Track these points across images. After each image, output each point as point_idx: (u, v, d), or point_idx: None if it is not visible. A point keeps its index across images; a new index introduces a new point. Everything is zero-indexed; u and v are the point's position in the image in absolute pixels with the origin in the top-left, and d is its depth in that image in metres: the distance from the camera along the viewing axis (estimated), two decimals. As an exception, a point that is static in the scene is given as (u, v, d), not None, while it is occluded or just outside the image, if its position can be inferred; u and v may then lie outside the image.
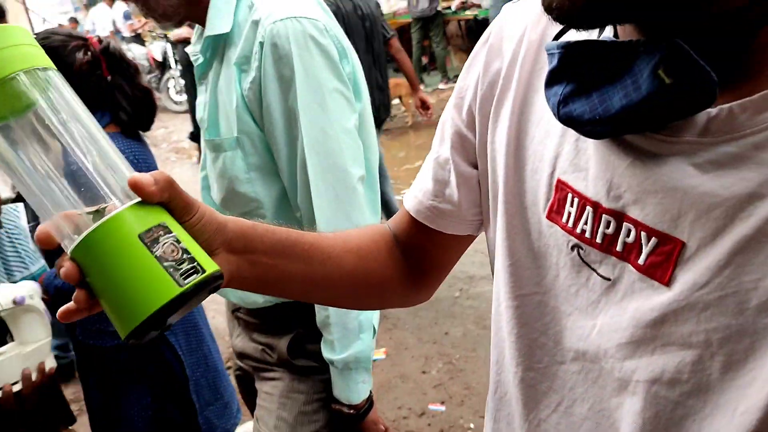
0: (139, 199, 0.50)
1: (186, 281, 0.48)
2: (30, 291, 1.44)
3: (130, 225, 0.48)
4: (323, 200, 1.12)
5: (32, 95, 0.48)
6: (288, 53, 1.07)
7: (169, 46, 8.00)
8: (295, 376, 1.29)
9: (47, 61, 0.50)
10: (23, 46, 0.49)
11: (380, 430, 1.28)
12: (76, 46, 1.47)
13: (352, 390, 1.20)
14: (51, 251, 2.95)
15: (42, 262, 2.59)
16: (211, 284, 0.50)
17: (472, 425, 2.53)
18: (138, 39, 9.43)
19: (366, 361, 1.21)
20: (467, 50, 9.04)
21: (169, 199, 0.52)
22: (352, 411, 1.22)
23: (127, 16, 9.77)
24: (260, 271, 0.62)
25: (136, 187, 0.49)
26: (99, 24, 9.60)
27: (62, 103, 0.50)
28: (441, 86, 8.14)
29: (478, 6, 8.37)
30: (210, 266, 0.50)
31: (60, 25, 8.66)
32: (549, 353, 0.58)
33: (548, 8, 0.44)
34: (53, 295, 1.64)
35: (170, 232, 0.49)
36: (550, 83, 0.49)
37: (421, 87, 8.06)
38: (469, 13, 8.54)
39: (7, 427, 1.37)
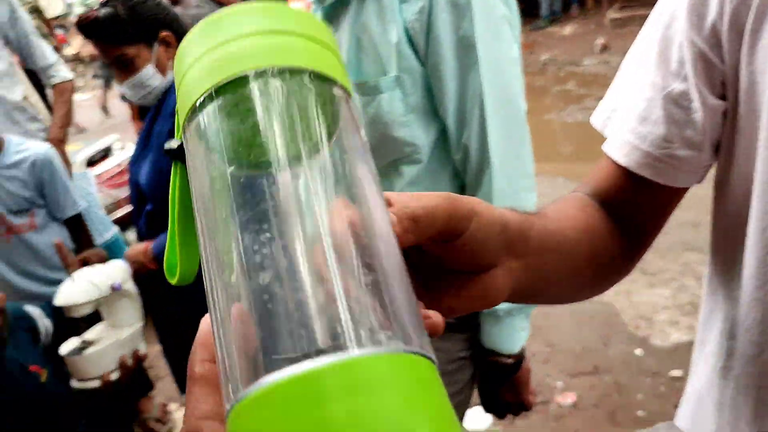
0: (380, 349, 0.23)
1: None
2: (123, 274, 1.44)
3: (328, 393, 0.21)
4: (499, 136, 1.03)
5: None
6: None
7: None
8: None
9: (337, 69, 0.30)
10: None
11: (530, 379, 1.20)
12: None
13: (514, 338, 1.13)
14: (126, 218, 2.93)
15: (115, 228, 2.57)
16: None
17: (559, 383, 2.43)
18: None
19: (530, 305, 1.12)
20: None
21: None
22: (511, 360, 1.14)
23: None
24: (534, 276, 0.47)
25: (432, 326, 0.30)
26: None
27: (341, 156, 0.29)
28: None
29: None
30: None
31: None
32: None
33: None
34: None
35: None
36: None
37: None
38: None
39: (96, 407, 1.35)
